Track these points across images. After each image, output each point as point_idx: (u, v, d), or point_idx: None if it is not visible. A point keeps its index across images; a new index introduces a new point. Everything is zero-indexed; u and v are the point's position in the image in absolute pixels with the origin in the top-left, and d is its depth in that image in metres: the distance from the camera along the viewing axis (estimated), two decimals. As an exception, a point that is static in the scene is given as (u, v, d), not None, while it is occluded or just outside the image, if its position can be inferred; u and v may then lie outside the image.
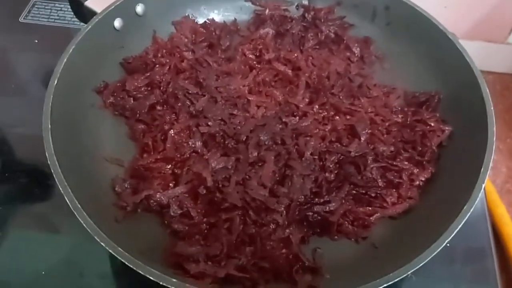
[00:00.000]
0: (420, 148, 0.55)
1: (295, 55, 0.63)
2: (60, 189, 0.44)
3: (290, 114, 0.57)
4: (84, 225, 0.42)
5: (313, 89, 0.59)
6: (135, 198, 0.49)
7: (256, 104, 0.57)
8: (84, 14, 0.61)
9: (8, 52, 0.76)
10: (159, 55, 0.62)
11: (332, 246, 0.49)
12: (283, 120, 0.56)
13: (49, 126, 0.48)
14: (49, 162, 0.46)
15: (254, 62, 0.62)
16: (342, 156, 0.53)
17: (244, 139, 0.54)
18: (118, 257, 0.40)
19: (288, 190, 0.50)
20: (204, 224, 0.48)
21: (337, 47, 0.66)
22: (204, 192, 0.50)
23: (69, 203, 0.43)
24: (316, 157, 0.53)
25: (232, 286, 0.45)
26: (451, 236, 0.44)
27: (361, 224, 0.50)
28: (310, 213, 0.49)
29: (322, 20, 0.66)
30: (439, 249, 0.43)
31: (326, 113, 0.58)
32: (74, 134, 0.53)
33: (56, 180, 0.45)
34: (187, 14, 0.67)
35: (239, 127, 0.55)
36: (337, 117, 0.57)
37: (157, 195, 0.49)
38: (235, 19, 0.68)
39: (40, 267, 0.52)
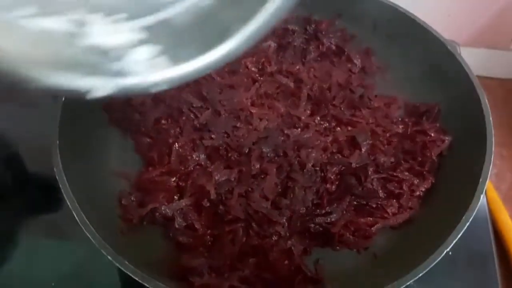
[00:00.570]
0: (420, 159, 0.55)
1: (297, 67, 0.64)
2: (68, 204, 0.46)
3: (292, 126, 0.58)
4: (91, 239, 0.43)
5: (315, 101, 0.60)
6: (141, 211, 0.51)
7: (259, 116, 0.58)
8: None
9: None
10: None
11: (334, 256, 0.50)
12: (285, 132, 0.57)
13: (57, 142, 0.50)
14: (57, 177, 0.47)
15: (257, 75, 0.63)
16: (343, 167, 0.54)
17: (246, 152, 0.55)
18: (124, 270, 0.42)
19: (290, 202, 0.51)
20: (208, 236, 0.49)
21: (338, 58, 0.66)
22: (208, 204, 0.51)
23: (76, 218, 0.45)
24: (317, 168, 0.54)
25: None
26: (451, 246, 0.44)
27: (362, 235, 0.51)
28: (312, 225, 0.50)
29: (323, 33, 0.67)
30: (439, 258, 0.44)
31: (327, 124, 0.59)
32: (82, 148, 0.54)
33: (63, 193, 0.46)
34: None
35: (242, 140, 0.56)
36: (339, 128, 0.58)
37: (162, 208, 0.50)
38: (238, 33, 0.69)
39: (50, 278, 0.53)
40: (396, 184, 0.53)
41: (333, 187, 0.53)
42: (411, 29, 0.64)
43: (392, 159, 0.55)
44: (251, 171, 0.53)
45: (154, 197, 0.52)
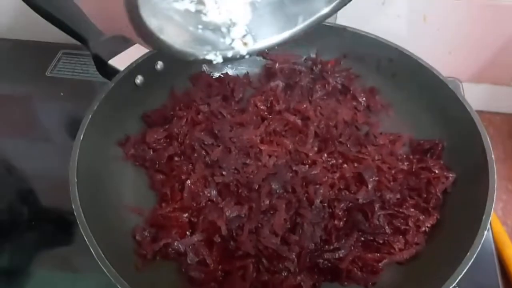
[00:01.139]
0: (425, 195, 0.56)
1: (304, 105, 0.66)
2: (85, 238, 0.47)
3: (300, 162, 0.59)
4: (107, 273, 0.45)
5: (322, 138, 0.62)
6: (154, 246, 0.52)
7: (268, 153, 0.60)
8: (107, 71, 0.66)
9: (36, 103, 0.80)
10: (177, 108, 0.66)
11: (342, 292, 0.51)
12: (294, 168, 0.59)
13: (75, 179, 0.52)
14: (75, 213, 0.49)
15: (266, 113, 0.65)
16: (350, 204, 0.55)
17: (256, 188, 0.56)
18: (139, 304, 0.43)
19: (299, 237, 0.52)
20: (220, 272, 0.51)
21: (344, 97, 0.69)
22: (219, 240, 0.52)
23: (93, 252, 0.46)
24: (325, 204, 0.55)
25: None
26: (457, 281, 0.45)
27: (370, 270, 0.51)
28: (321, 260, 0.51)
29: (329, 72, 0.70)
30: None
31: (334, 161, 0.60)
32: (98, 184, 0.56)
33: (81, 230, 0.48)
34: (203, 69, 0.71)
35: (251, 176, 0.57)
36: (345, 165, 0.60)
37: (175, 243, 0.52)
38: (247, 73, 0.72)
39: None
40: (402, 220, 0.54)
41: (341, 223, 0.54)
42: (413, 68, 0.66)
43: (398, 196, 0.56)
44: (261, 207, 0.54)
45: (167, 233, 0.53)
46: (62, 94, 0.79)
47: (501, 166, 0.53)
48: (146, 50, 0.66)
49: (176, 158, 0.60)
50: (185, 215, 0.55)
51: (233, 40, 0.42)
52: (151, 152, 0.61)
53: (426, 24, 0.88)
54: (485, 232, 0.48)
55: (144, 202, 0.58)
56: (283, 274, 0.50)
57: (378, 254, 0.52)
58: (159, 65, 0.66)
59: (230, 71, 0.73)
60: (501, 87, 1.03)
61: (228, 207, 0.54)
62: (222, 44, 0.42)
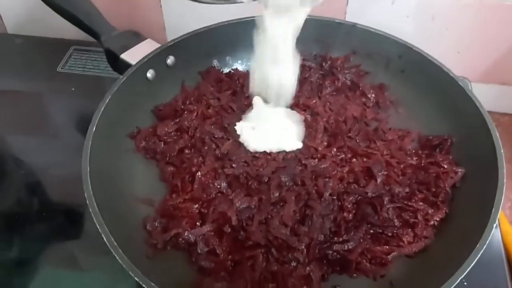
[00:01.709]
0: (434, 189, 0.57)
1: (314, 101, 0.66)
2: (98, 227, 0.48)
3: (309, 156, 0.60)
4: (120, 261, 0.45)
5: (331, 133, 0.63)
6: (165, 236, 0.53)
7: (277, 147, 0.61)
8: (119, 66, 0.66)
9: (47, 99, 0.81)
10: (187, 102, 0.66)
11: (350, 283, 0.51)
12: (303, 162, 0.59)
13: (88, 169, 0.52)
14: (87, 202, 0.50)
15: (275, 108, 0.66)
16: (359, 197, 0.56)
17: (266, 180, 0.57)
18: (150, 292, 0.43)
19: (308, 229, 0.53)
20: (229, 261, 0.51)
21: (353, 93, 0.69)
22: (229, 230, 0.53)
23: (106, 241, 0.47)
24: (334, 197, 0.56)
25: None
26: (464, 274, 0.45)
27: (379, 262, 0.52)
28: (330, 252, 0.52)
29: (339, 69, 0.71)
30: (453, 286, 0.45)
31: (343, 155, 0.61)
32: (110, 176, 0.57)
33: (94, 219, 0.48)
34: (213, 65, 0.72)
35: (261, 169, 0.58)
36: (354, 160, 0.60)
37: (185, 233, 0.52)
38: (257, 69, 0.73)
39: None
40: (411, 214, 0.55)
41: (350, 215, 0.54)
42: (422, 65, 0.67)
43: (407, 190, 0.57)
44: (271, 199, 0.55)
45: (177, 223, 0.54)
46: (73, 89, 0.80)
47: (509, 166, 0.52)
48: (158, 45, 0.67)
49: (186, 151, 0.61)
50: (195, 206, 0.55)
51: None
52: (162, 145, 0.62)
53: (435, 23, 0.88)
54: (494, 226, 0.48)
55: (154, 193, 0.59)
56: (293, 264, 0.50)
57: (387, 247, 0.52)
58: (170, 59, 0.67)
59: (240, 67, 0.73)
60: (510, 87, 1.03)
61: (238, 198, 0.55)
62: None
